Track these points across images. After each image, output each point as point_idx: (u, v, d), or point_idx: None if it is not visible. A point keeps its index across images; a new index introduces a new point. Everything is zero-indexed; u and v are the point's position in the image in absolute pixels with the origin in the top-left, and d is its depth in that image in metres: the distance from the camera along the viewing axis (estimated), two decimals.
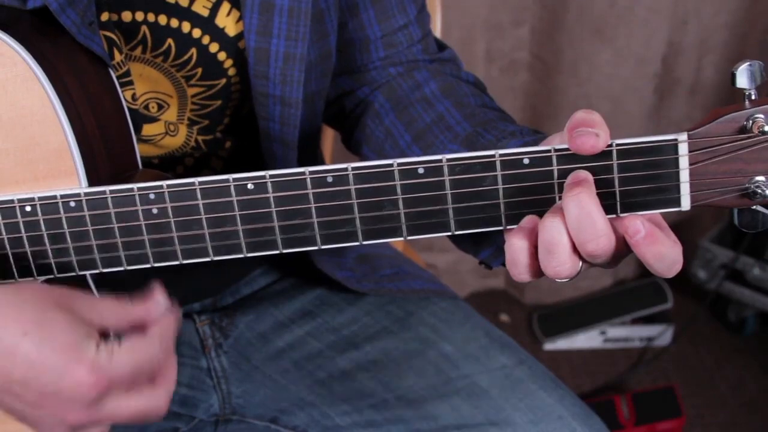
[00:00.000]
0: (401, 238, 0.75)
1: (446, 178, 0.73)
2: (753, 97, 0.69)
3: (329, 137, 1.55)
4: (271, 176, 0.75)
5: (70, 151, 0.79)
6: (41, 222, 0.79)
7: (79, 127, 0.79)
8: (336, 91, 1.05)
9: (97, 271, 0.81)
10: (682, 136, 0.70)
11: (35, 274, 0.81)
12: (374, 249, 1.14)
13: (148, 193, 0.77)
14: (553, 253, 0.70)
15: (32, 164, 0.79)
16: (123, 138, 0.85)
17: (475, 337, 1.03)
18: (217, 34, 0.92)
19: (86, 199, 0.78)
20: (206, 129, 0.97)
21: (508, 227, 0.74)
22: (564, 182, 0.71)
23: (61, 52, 0.80)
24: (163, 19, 0.90)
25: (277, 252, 0.78)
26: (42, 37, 0.80)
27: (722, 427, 2.02)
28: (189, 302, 1.09)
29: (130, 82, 0.90)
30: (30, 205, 0.79)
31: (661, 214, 0.73)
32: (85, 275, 0.82)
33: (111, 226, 0.78)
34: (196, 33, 0.91)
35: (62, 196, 0.78)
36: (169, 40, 0.90)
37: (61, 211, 0.78)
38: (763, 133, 0.68)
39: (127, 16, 0.88)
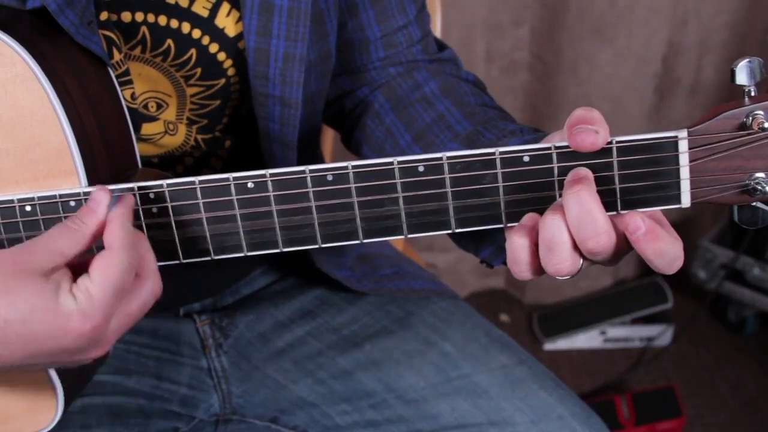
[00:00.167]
0: (402, 237, 0.75)
1: (446, 176, 0.73)
2: (753, 94, 0.69)
3: (329, 137, 1.55)
4: (272, 175, 0.75)
5: (70, 151, 0.79)
6: (41, 222, 0.79)
7: (79, 126, 0.79)
8: (336, 92, 1.05)
9: None
10: (682, 133, 0.70)
11: None
12: (374, 248, 1.14)
13: (148, 193, 0.77)
14: (553, 250, 0.70)
15: (32, 164, 0.79)
16: (123, 137, 0.84)
17: (475, 337, 1.03)
18: (217, 35, 0.92)
19: (86, 199, 0.78)
20: (205, 128, 0.97)
21: (509, 225, 0.74)
22: (564, 180, 0.71)
23: (60, 52, 0.80)
24: (162, 20, 0.90)
25: (278, 251, 0.78)
26: (41, 37, 0.80)
27: (722, 427, 2.02)
28: (189, 302, 1.09)
29: (130, 82, 0.90)
30: (30, 205, 0.79)
31: (662, 211, 0.73)
32: None
33: None
34: (196, 33, 0.91)
35: (62, 196, 0.78)
36: (169, 41, 0.90)
37: (61, 211, 0.78)
38: (763, 129, 0.68)
39: (126, 16, 0.88)
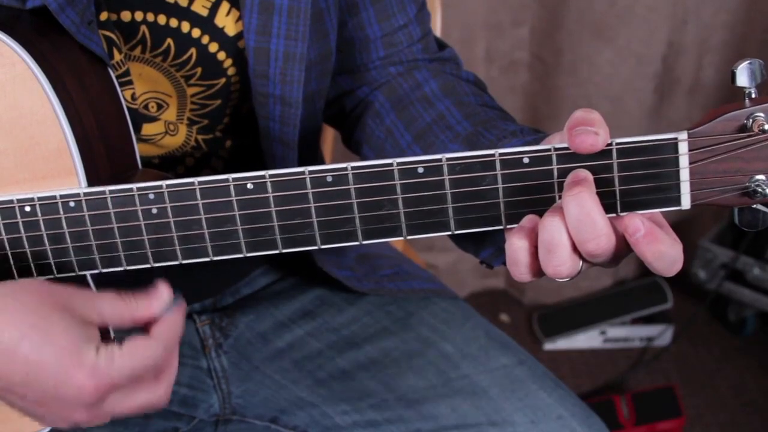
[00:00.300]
0: (401, 238, 0.75)
1: (446, 177, 0.73)
2: (753, 96, 0.69)
3: (329, 137, 1.55)
4: (271, 176, 0.75)
5: (70, 151, 0.79)
6: (41, 222, 0.79)
7: (79, 127, 0.79)
8: (336, 91, 1.05)
9: (96, 271, 0.81)
10: (682, 135, 0.70)
11: (35, 274, 0.81)
12: (374, 249, 1.14)
13: (148, 193, 0.77)
14: (553, 252, 0.70)
15: (32, 164, 0.79)
16: (123, 138, 0.84)
17: (475, 337, 1.03)
18: (217, 34, 0.92)
19: (86, 200, 0.78)
20: (206, 128, 0.97)
21: (509, 226, 0.74)
22: (564, 181, 0.71)
23: (60, 52, 0.80)
24: (162, 19, 0.90)
25: (277, 252, 0.78)
26: (41, 37, 0.80)
27: (722, 427, 2.02)
28: (189, 302, 1.09)
29: (130, 82, 0.90)
30: (29, 206, 0.79)
31: (661, 213, 0.73)
32: (85, 275, 0.82)
33: (110, 226, 0.78)
34: (196, 33, 0.91)
35: (62, 196, 0.78)
36: (169, 40, 0.90)
37: (61, 211, 0.78)
38: (764, 131, 0.68)
39: (126, 15, 0.88)
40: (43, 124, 0.78)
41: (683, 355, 2.22)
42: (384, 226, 0.75)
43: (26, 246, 0.80)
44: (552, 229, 0.69)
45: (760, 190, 0.70)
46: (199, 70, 0.93)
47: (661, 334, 2.23)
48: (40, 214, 0.79)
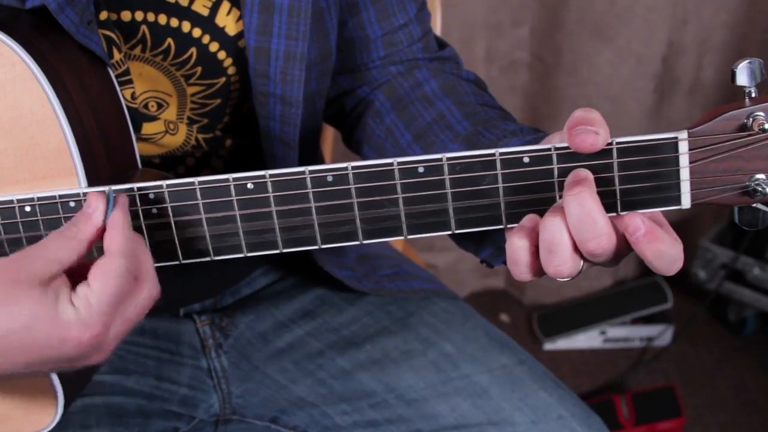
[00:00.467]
0: (401, 237, 0.75)
1: (446, 176, 0.73)
2: (753, 95, 0.69)
3: (329, 137, 1.55)
4: (271, 176, 0.75)
5: (70, 151, 0.79)
6: (40, 222, 0.79)
7: (79, 126, 0.79)
8: (336, 90, 1.05)
9: None
10: (683, 135, 0.70)
11: None
12: (374, 249, 1.14)
13: (148, 193, 0.77)
14: (554, 252, 0.70)
15: (32, 164, 0.79)
16: (123, 137, 0.84)
17: (475, 337, 1.03)
18: (217, 34, 0.92)
19: (86, 200, 0.78)
20: (206, 128, 0.97)
21: (509, 226, 0.74)
22: (564, 181, 0.71)
23: (60, 52, 0.80)
24: (162, 19, 0.90)
25: (277, 251, 0.78)
26: (41, 37, 0.80)
27: (722, 427, 2.02)
28: (189, 302, 1.09)
29: (130, 81, 0.90)
30: (29, 206, 0.79)
31: (662, 212, 0.73)
32: None
33: None
34: (196, 32, 0.91)
35: (61, 197, 0.78)
36: (169, 40, 0.90)
37: (61, 212, 0.78)
38: (764, 130, 0.68)
39: (126, 15, 0.88)
40: (43, 124, 0.78)
41: (683, 355, 2.22)
42: (384, 226, 0.75)
43: (26, 246, 0.80)
44: (553, 228, 0.69)
45: (760, 189, 0.70)
46: (199, 69, 0.93)
47: (661, 334, 2.23)
48: (39, 215, 0.79)
